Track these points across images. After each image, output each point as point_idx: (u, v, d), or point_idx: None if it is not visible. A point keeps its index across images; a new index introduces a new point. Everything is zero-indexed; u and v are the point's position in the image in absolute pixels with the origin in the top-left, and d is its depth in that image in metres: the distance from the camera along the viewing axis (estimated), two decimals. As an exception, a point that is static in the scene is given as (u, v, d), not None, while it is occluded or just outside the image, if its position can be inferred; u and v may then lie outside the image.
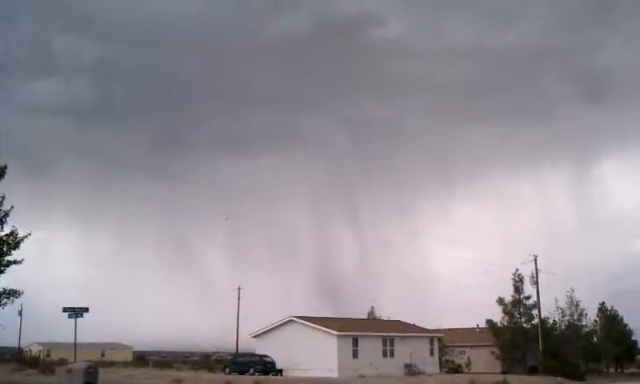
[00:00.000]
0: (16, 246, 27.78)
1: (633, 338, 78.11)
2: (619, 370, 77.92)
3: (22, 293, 28.39)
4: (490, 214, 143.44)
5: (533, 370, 60.19)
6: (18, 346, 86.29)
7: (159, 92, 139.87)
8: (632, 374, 69.36)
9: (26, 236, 28.05)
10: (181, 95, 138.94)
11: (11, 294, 27.89)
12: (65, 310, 40.74)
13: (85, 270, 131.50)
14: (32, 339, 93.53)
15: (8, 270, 27.91)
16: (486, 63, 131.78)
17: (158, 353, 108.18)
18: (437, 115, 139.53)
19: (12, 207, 28.02)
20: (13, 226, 27.90)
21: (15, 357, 66.91)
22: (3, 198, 27.98)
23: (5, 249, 27.59)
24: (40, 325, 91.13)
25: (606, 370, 75.38)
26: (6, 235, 27.72)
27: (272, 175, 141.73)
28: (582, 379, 57.85)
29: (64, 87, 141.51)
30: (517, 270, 64.23)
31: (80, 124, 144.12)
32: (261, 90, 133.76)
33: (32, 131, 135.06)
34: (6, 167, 28.15)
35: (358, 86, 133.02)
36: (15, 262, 27.89)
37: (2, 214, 27.82)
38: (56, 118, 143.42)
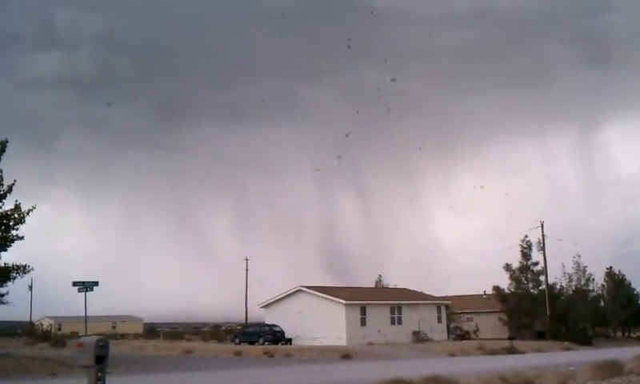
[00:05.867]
0: (21, 220, 27.66)
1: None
2: (626, 335, 78.18)
3: (32, 268, 28.40)
4: (496, 180, 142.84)
5: (540, 336, 60.44)
6: (29, 320, 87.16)
7: (160, 64, 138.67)
8: (639, 338, 69.53)
9: (31, 210, 27.90)
10: (182, 67, 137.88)
11: (21, 269, 27.93)
12: (74, 284, 40.60)
13: (93, 243, 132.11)
14: (43, 313, 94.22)
15: (14, 244, 27.87)
16: (488, 28, 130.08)
17: (169, 324, 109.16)
18: (440, 82, 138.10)
19: (15, 181, 27.78)
20: (16, 201, 27.77)
21: (27, 331, 67.53)
22: (1, 174, 27.73)
23: (11, 224, 27.53)
24: (50, 299, 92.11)
25: (613, 334, 75.61)
26: (11, 210, 27.60)
27: (274, 145, 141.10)
28: (589, 344, 58.08)
29: (66, 60, 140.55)
30: (525, 236, 64.31)
31: (82, 97, 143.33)
32: (261, 60, 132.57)
33: (34, 105, 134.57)
34: (6, 141, 27.90)
35: (358, 53, 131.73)
36: (18, 238, 27.77)
37: (5, 189, 27.63)
38: (58, 92, 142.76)
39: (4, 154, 27.93)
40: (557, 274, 67.14)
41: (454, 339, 58.73)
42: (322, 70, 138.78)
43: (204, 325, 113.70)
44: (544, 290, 63.07)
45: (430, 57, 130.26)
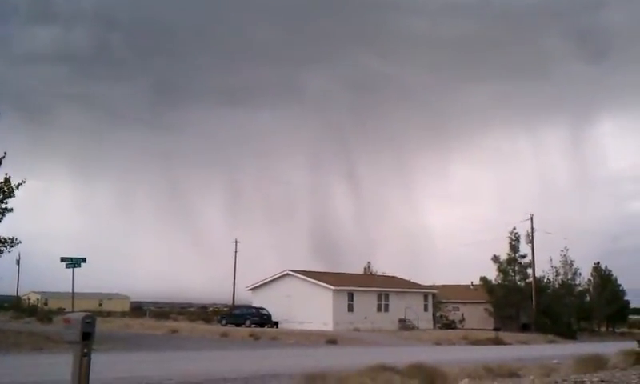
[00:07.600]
0: (11, 193, 27.43)
1: (625, 297, 78.70)
2: (610, 330, 78.70)
3: (20, 242, 28.19)
4: (487, 172, 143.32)
5: (525, 328, 60.82)
6: (16, 294, 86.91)
7: (158, 42, 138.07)
8: (623, 334, 69.97)
9: (21, 183, 27.65)
10: (180, 46, 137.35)
11: (8, 242, 27.73)
12: (62, 259, 40.56)
13: (83, 219, 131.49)
14: (30, 288, 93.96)
15: (3, 218, 27.66)
16: (486, 19, 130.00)
17: (156, 303, 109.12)
18: (436, 72, 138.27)
19: (5, 154, 27.37)
20: (6, 174, 27.48)
21: (13, 305, 67.35)
22: None
23: (0, 197, 27.30)
24: (38, 274, 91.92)
25: (597, 328, 76.13)
26: (1, 183, 27.31)
27: (271, 130, 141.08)
28: (573, 338, 58.50)
29: (62, 35, 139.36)
30: (514, 228, 64.53)
31: (78, 73, 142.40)
32: (261, 43, 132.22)
33: (29, 79, 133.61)
34: None
35: (358, 42, 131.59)
36: (7, 210, 27.56)
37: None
38: (54, 66, 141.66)
39: (-4, 125, 27.66)
40: (544, 267, 67.56)
41: (440, 328, 59.03)
42: (319, 56, 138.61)
43: (191, 305, 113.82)
44: (531, 282, 63.40)
45: (427, 47, 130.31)
